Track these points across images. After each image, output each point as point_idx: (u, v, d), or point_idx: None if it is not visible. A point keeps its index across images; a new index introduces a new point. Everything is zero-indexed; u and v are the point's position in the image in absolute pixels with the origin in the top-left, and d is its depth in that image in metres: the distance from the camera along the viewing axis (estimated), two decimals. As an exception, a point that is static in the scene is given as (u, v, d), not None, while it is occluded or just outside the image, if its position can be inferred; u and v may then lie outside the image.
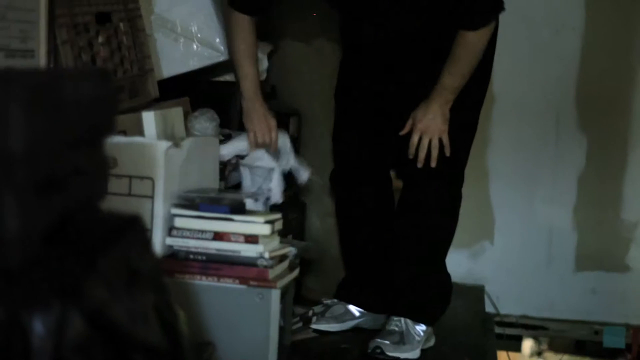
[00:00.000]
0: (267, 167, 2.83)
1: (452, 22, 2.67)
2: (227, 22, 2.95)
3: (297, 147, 3.47)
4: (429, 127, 2.79)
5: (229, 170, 2.83)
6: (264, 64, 3.44)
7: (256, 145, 2.86)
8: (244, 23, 2.84)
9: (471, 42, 2.69)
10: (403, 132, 2.84)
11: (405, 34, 2.81)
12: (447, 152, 2.81)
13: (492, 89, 3.56)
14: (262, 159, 2.80)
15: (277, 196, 2.87)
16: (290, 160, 2.91)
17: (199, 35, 3.04)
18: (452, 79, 2.75)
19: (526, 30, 3.63)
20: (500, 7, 2.68)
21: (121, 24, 2.62)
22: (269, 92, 3.36)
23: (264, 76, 3.41)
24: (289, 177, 2.94)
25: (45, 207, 1.10)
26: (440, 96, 2.78)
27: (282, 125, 3.06)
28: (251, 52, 2.89)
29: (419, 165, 2.82)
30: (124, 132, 2.29)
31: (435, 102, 2.79)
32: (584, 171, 3.63)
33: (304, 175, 2.94)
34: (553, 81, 3.63)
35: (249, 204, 2.64)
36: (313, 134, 3.53)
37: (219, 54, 3.05)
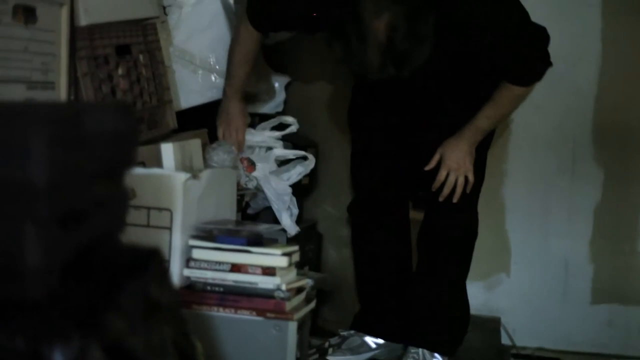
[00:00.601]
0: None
1: (500, 76, 2.69)
2: (235, 29, 2.96)
3: (315, 178, 3.49)
4: (458, 165, 2.83)
5: (246, 200, 2.86)
6: (281, 95, 3.47)
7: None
8: (252, 37, 2.86)
9: (517, 94, 2.74)
10: (429, 167, 2.86)
11: (433, 76, 2.80)
12: (468, 190, 2.86)
13: (509, 122, 3.57)
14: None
15: (291, 230, 2.90)
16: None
17: (217, 67, 3.06)
18: (488, 122, 2.80)
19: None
20: (548, 63, 2.70)
21: (141, 56, 2.65)
22: (288, 125, 3.37)
23: (280, 108, 3.44)
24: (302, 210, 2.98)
25: (66, 239, 1.11)
26: (473, 136, 2.83)
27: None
28: (248, 59, 2.92)
29: (441, 199, 2.86)
30: (142, 164, 2.30)
31: (466, 141, 2.83)
32: (599, 203, 3.62)
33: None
34: (569, 114, 3.62)
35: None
36: (330, 165, 3.55)
37: (235, 84, 3.07)
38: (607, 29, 3.57)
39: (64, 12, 2.11)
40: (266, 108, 3.41)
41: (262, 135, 3.06)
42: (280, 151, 3.04)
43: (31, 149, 1.04)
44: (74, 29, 2.19)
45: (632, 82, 3.61)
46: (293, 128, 3.07)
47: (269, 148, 3.04)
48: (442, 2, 2.48)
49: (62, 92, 2.10)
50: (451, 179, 2.84)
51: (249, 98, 3.24)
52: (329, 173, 3.55)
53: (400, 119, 2.96)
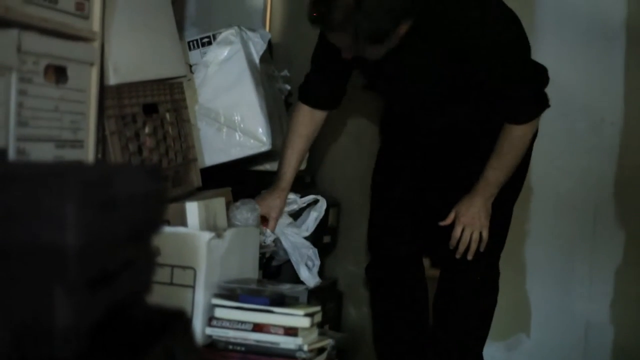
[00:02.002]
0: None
1: (498, 116, 2.69)
2: (290, 124, 3.04)
3: (336, 237, 3.50)
4: (473, 221, 2.82)
5: (266, 258, 2.87)
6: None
7: None
8: (308, 115, 2.96)
9: (516, 136, 2.70)
10: (444, 223, 2.86)
11: (448, 126, 2.84)
12: (482, 248, 2.85)
13: (530, 182, 3.58)
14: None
15: (310, 282, 2.91)
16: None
17: (241, 125, 3.09)
18: (496, 173, 2.77)
19: (565, 123, 3.64)
20: (545, 103, 2.70)
21: (167, 115, 2.68)
22: (309, 182, 3.39)
23: (304, 165, 3.46)
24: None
25: (94, 301, 1.13)
26: (485, 191, 2.81)
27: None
28: (300, 150, 2.98)
29: (457, 256, 2.85)
30: (167, 222, 2.33)
31: (479, 196, 2.81)
32: (621, 264, 3.60)
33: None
34: (591, 175, 3.63)
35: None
36: (352, 224, 3.56)
37: (260, 144, 3.10)
38: (628, 91, 3.59)
39: (94, 72, 2.14)
40: (289, 166, 3.43)
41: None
42: (290, 205, 3.03)
43: (63, 213, 1.06)
44: (102, 88, 2.23)
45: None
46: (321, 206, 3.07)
47: None
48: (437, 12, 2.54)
49: (90, 151, 2.12)
50: (466, 235, 2.83)
51: (273, 157, 3.27)
52: (350, 231, 3.56)
53: (421, 182, 2.98)
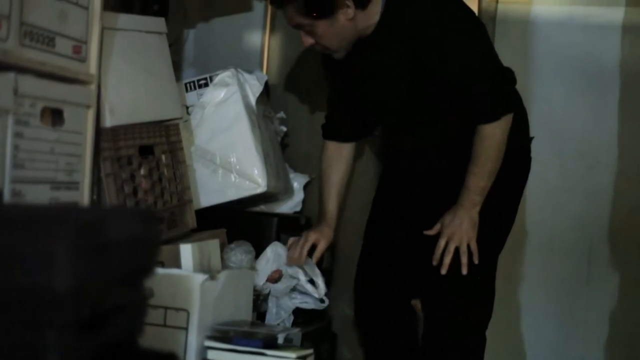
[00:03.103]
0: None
1: (467, 119, 2.72)
2: (321, 166, 3.16)
3: (330, 279, 3.50)
4: (456, 232, 2.75)
5: (260, 300, 2.87)
6: (300, 195, 3.50)
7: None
8: (335, 149, 3.07)
9: (485, 136, 2.70)
10: (429, 233, 2.82)
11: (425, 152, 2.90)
12: (475, 260, 2.76)
13: (525, 224, 3.60)
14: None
15: (322, 291, 2.90)
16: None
17: (237, 167, 3.11)
18: (475, 178, 2.73)
19: (559, 165, 3.67)
20: (509, 103, 2.72)
21: (163, 156, 2.70)
22: (304, 224, 3.40)
23: (299, 208, 3.48)
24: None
25: (86, 344, 1.13)
26: (466, 199, 2.76)
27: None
28: (335, 183, 3.09)
29: (443, 271, 2.76)
30: (161, 263, 2.33)
31: (461, 205, 2.77)
32: (615, 307, 3.61)
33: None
34: (586, 217, 3.65)
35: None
36: (347, 266, 3.55)
37: (256, 186, 3.11)
38: (622, 133, 3.62)
39: (90, 114, 2.15)
40: (284, 208, 3.45)
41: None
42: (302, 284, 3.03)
43: (55, 256, 1.07)
44: (99, 130, 2.24)
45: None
46: None
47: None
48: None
49: (85, 192, 2.13)
50: (450, 247, 2.74)
51: (268, 198, 3.28)
52: (345, 273, 3.56)
53: (414, 220, 2.97)
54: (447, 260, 2.76)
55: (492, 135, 2.70)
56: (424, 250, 2.86)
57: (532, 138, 2.99)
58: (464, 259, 2.75)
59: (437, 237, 2.82)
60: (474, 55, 2.71)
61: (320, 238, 2.99)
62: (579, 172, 3.66)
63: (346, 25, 2.71)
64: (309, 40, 2.77)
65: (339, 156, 3.11)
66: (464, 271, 2.75)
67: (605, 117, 3.65)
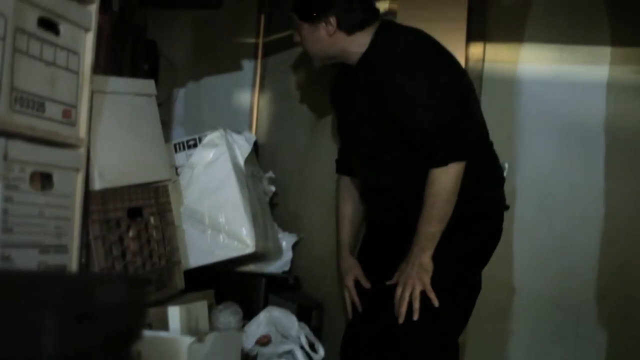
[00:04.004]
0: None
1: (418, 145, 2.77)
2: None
3: (319, 336, 3.49)
4: (408, 279, 2.74)
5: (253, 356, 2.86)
6: (288, 254, 3.51)
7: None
8: (346, 183, 3.19)
9: (434, 180, 2.72)
10: (389, 283, 2.82)
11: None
12: (435, 303, 2.72)
13: (512, 281, 3.60)
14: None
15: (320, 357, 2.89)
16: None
17: (226, 227, 3.12)
18: (423, 223, 2.74)
19: (546, 223, 3.69)
20: (460, 150, 2.74)
21: (152, 218, 2.71)
22: (292, 284, 3.41)
23: (287, 267, 3.49)
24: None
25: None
26: (416, 244, 2.76)
27: (304, 318, 3.10)
28: (348, 214, 3.22)
29: (400, 320, 2.73)
30: (149, 325, 2.33)
31: (412, 251, 2.77)
32: (604, 365, 3.62)
33: None
34: (573, 274, 3.65)
35: None
36: (336, 325, 3.55)
37: (244, 247, 3.12)
38: (608, 191, 3.64)
39: (80, 177, 2.16)
40: (273, 267, 3.46)
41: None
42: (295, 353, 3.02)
43: (41, 325, 1.08)
44: (88, 192, 2.26)
45: (635, 242, 3.65)
46: None
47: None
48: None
49: (73, 256, 2.13)
50: (404, 294, 2.72)
51: (257, 258, 3.29)
52: (334, 332, 3.55)
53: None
54: (402, 308, 2.73)
55: (439, 180, 2.72)
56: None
57: (506, 207, 3.00)
58: (416, 304, 2.72)
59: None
60: (432, 103, 2.76)
61: (354, 273, 3.11)
62: (566, 229, 3.68)
63: (325, 39, 2.92)
64: (297, 37, 3.02)
65: (350, 189, 3.23)
66: (415, 316, 2.72)
67: (592, 175, 3.67)
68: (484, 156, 2.91)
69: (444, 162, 2.71)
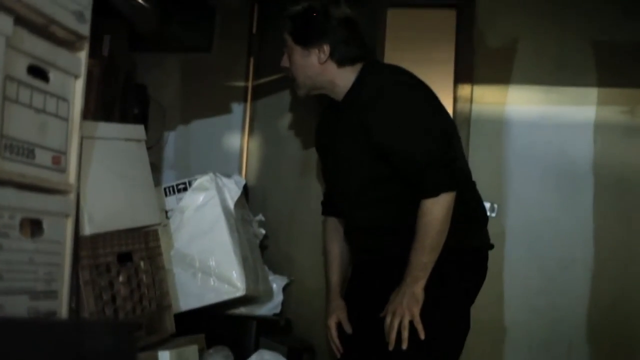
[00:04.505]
0: None
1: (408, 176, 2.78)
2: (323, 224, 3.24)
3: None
4: (397, 308, 2.74)
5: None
6: (279, 297, 3.51)
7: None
8: (333, 224, 3.17)
9: (426, 210, 2.73)
10: (382, 314, 2.81)
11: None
12: (421, 335, 2.72)
13: (504, 321, 3.60)
14: None
15: None
16: None
17: (216, 271, 3.12)
18: (416, 254, 2.75)
19: (537, 263, 3.69)
20: (451, 183, 2.75)
21: (142, 263, 2.71)
22: (283, 327, 3.40)
23: (278, 309, 3.48)
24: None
25: None
26: (408, 274, 2.76)
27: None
28: (337, 256, 3.20)
29: (390, 348, 2.73)
30: (140, 371, 2.33)
31: (404, 281, 2.77)
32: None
33: None
34: (563, 315, 3.65)
35: None
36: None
37: (235, 290, 3.12)
38: (598, 230, 3.66)
39: (69, 223, 2.16)
40: (264, 310, 3.45)
41: None
42: None
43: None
44: (77, 238, 2.25)
45: (624, 282, 3.66)
46: None
47: None
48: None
49: (64, 301, 2.12)
50: (393, 322, 2.72)
51: (247, 301, 3.29)
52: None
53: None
54: (391, 336, 2.74)
55: (431, 211, 2.74)
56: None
57: (490, 245, 3.01)
58: (404, 333, 2.72)
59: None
60: (420, 135, 2.78)
61: (338, 316, 3.09)
62: (556, 270, 3.68)
63: (315, 67, 2.95)
64: (285, 61, 3.04)
65: (337, 230, 3.21)
66: (404, 345, 2.71)
67: (581, 215, 3.69)
68: (467, 194, 2.93)
69: (435, 193, 2.74)
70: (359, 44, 2.96)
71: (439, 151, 2.77)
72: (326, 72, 2.94)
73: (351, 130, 2.89)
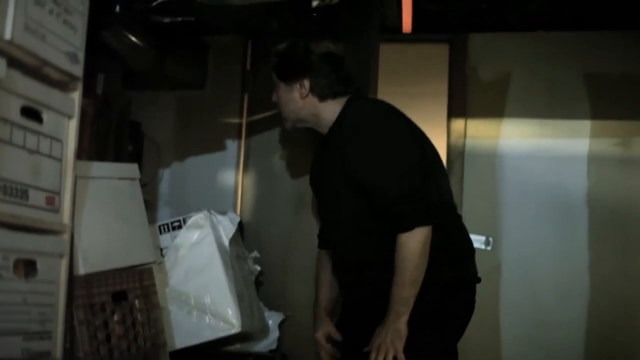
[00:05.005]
0: None
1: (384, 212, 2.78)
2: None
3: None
4: (381, 344, 2.73)
5: None
6: (275, 333, 3.50)
7: None
8: (327, 256, 3.15)
9: (402, 244, 2.73)
10: (366, 349, 2.79)
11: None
12: None
13: (501, 356, 3.59)
14: None
15: None
16: None
17: (212, 308, 3.12)
18: (397, 288, 2.74)
19: (532, 296, 3.69)
20: (426, 217, 2.74)
21: (136, 301, 2.70)
22: (280, 362, 3.40)
23: (274, 345, 3.47)
24: None
25: None
26: (391, 310, 2.75)
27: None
28: (326, 281, 3.17)
29: None
30: (135, 410, 2.32)
31: (387, 317, 2.76)
32: None
33: None
34: (560, 347, 3.65)
35: None
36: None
37: (230, 327, 3.12)
38: (593, 263, 3.66)
39: (64, 263, 2.15)
40: (260, 346, 3.45)
41: None
42: None
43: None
44: (72, 278, 2.25)
45: (620, 313, 3.66)
46: None
47: None
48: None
49: (58, 342, 2.11)
50: (377, 359, 2.71)
51: (243, 337, 3.28)
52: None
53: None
54: None
55: (406, 245, 2.74)
56: None
57: (477, 279, 2.99)
58: None
59: None
60: (395, 169, 2.79)
61: (325, 329, 3.09)
62: (552, 302, 3.69)
63: (298, 101, 3.00)
64: (274, 96, 3.09)
65: (329, 262, 3.17)
66: None
67: (575, 247, 3.70)
68: (448, 227, 2.92)
69: (409, 227, 2.74)
70: (341, 78, 2.98)
71: (412, 185, 2.77)
72: (308, 106, 2.99)
73: (333, 164, 2.91)
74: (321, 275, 3.21)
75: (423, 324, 2.78)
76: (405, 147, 2.86)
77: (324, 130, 3.00)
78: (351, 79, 3.02)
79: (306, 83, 2.96)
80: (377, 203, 2.79)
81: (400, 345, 2.72)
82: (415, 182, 2.78)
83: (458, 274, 2.92)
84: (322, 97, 2.97)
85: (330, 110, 2.96)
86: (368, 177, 2.79)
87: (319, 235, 3.27)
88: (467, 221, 3.03)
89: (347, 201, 2.89)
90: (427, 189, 2.81)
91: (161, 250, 3.19)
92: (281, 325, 3.58)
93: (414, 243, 2.74)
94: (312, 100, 2.97)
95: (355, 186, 2.83)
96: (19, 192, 1.96)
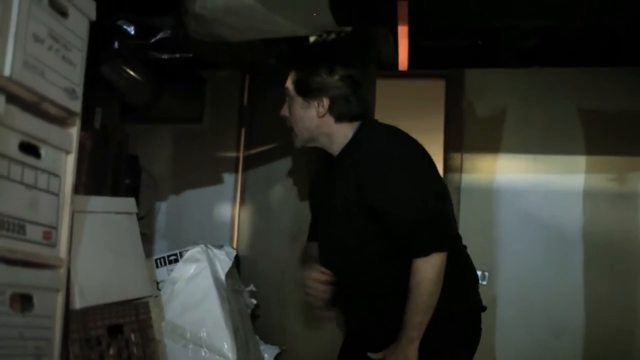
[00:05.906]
0: None
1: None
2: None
3: None
4: None
5: None
6: (271, 366, 3.51)
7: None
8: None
9: (417, 269, 2.70)
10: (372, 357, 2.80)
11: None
12: None
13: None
14: None
15: None
16: None
17: (207, 342, 3.12)
18: (410, 313, 2.71)
19: (529, 333, 3.70)
20: (442, 243, 2.74)
21: (132, 335, 2.70)
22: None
23: (271, 366, 3.47)
24: None
25: None
26: (403, 335, 2.73)
27: None
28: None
29: None
30: None
31: (399, 341, 2.73)
32: None
33: None
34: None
35: None
36: None
37: (226, 361, 3.13)
38: (588, 298, 3.67)
39: (60, 298, 2.16)
40: (255, 380, 3.45)
41: None
42: None
43: None
44: (68, 312, 2.26)
45: (616, 347, 3.66)
46: None
47: None
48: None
49: (53, 377, 2.13)
50: None
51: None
52: None
53: None
54: None
55: (423, 270, 2.71)
56: None
57: (483, 308, 3.00)
58: None
59: None
60: (414, 195, 2.78)
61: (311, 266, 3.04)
62: (548, 336, 3.69)
63: (314, 119, 2.93)
64: (284, 111, 3.02)
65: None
66: None
67: (571, 281, 3.71)
68: (458, 257, 2.93)
69: (425, 253, 2.73)
70: (359, 103, 2.99)
71: (432, 211, 2.78)
72: (323, 125, 2.97)
73: (345, 186, 2.90)
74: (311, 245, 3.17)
75: (432, 354, 2.78)
76: (424, 174, 2.86)
77: (335, 152, 2.99)
78: (368, 104, 3.04)
79: (325, 102, 2.95)
80: (393, 228, 2.79)
81: None
82: (434, 207, 2.78)
83: (466, 303, 2.93)
84: (339, 119, 2.96)
85: (343, 133, 2.96)
86: (387, 201, 2.78)
87: (309, 231, 3.22)
88: (463, 256, 3.04)
89: (357, 225, 2.88)
90: (445, 216, 2.82)
91: (157, 283, 3.19)
92: (277, 359, 3.57)
93: (429, 268, 2.73)
94: (329, 120, 2.96)
95: (368, 209, 2.82)
96: (16, 227, 1.97)
